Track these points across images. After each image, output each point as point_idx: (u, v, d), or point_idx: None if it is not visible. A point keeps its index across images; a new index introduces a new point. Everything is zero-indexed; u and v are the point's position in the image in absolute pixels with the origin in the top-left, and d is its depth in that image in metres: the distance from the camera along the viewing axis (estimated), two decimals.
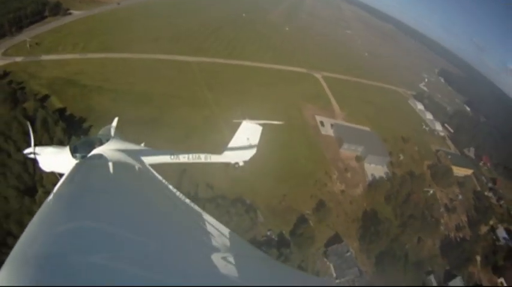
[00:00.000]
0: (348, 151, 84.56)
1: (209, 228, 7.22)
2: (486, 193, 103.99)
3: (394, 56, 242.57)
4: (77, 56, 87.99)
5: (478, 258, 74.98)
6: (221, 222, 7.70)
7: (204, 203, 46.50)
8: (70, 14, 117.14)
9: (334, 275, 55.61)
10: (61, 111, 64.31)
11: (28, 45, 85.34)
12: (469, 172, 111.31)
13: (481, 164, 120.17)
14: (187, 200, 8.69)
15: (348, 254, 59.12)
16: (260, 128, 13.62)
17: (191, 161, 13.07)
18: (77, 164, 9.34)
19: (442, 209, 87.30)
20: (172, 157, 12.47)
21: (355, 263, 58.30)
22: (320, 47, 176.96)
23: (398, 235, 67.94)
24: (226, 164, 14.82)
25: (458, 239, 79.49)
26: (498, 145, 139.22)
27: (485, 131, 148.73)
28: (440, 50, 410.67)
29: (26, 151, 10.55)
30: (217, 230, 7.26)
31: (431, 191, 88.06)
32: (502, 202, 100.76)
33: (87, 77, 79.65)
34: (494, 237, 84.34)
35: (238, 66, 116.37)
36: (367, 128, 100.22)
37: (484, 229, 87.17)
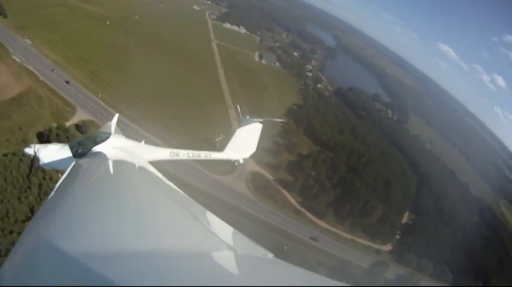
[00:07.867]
0: (266, 62, 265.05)
1: (211, 226, 7.24)
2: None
3: None
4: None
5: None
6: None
7: None
8: None
9: None
10: None
11: (218, 145, 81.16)
12: (258, 39, 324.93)
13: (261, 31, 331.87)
14: (189, 198, 8.83)
15: None
16: (260, 126, 14.36)
17: (191, 158, 13.68)
18: (76, 161, 9.66)
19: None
20: (172, 153, 13.08)
21: None
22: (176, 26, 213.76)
23: None
24: None
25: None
26: (253, 11, 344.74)
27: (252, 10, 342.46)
28: None
29: (27, 149, 10.68)
30: (219, 228, 7.28)
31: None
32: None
33: None
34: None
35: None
36: (250, 53, 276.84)
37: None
